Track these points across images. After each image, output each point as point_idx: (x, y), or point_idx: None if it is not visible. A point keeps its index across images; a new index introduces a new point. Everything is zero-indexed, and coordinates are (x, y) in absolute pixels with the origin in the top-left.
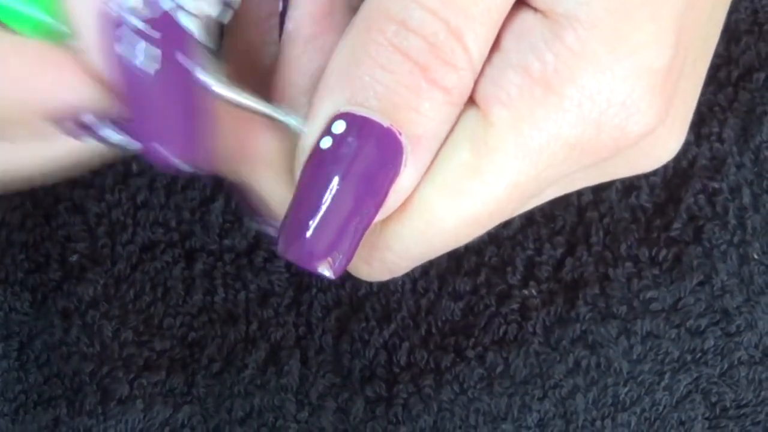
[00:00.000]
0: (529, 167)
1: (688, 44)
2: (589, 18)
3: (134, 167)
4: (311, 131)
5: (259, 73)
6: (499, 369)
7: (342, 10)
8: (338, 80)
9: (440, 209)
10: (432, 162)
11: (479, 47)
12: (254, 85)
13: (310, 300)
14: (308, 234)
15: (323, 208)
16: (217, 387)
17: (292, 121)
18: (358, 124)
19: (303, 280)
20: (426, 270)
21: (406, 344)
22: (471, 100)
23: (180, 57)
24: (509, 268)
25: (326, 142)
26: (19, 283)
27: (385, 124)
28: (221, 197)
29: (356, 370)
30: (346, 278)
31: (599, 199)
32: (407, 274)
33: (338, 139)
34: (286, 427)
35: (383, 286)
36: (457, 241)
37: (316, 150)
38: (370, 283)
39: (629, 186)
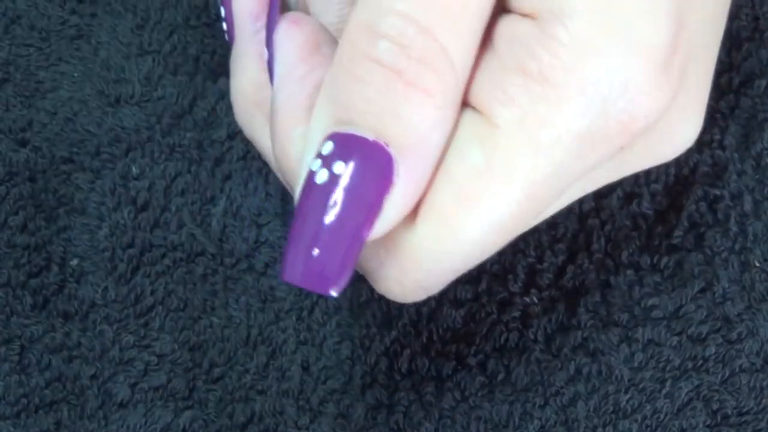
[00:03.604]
0: (543, 164)
1: (694, 25)
2: (574, 8)
3: (134, 170)
4: (306, 157)
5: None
6: (500, 376)
7: (328, 42)
8: (325, 102)
9: (460, 216)
10: (442, 170)
11: (459, 46)
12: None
13: (311, 305)
14: (310, 257)
15: (321, 230)
16: (218, 392)
17: None
18: (343, 142)
19: None
20: None
21: (407, 351)
22: (470, 105)
23: None
24: (510, 276)
25: (316, 165)
26: (20, 286)
27: (370, 138)
28: (222, 201)
29: (357, 376)
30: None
31: (600, 207)
32: None
33: (327, 161)
34: None
35: None
36: (485, 249)
37: (309, 174)
38: (371, 290)
39: (630, 193)
